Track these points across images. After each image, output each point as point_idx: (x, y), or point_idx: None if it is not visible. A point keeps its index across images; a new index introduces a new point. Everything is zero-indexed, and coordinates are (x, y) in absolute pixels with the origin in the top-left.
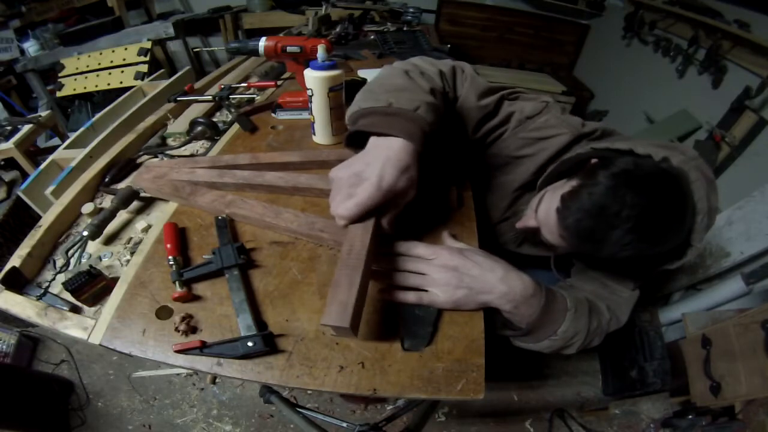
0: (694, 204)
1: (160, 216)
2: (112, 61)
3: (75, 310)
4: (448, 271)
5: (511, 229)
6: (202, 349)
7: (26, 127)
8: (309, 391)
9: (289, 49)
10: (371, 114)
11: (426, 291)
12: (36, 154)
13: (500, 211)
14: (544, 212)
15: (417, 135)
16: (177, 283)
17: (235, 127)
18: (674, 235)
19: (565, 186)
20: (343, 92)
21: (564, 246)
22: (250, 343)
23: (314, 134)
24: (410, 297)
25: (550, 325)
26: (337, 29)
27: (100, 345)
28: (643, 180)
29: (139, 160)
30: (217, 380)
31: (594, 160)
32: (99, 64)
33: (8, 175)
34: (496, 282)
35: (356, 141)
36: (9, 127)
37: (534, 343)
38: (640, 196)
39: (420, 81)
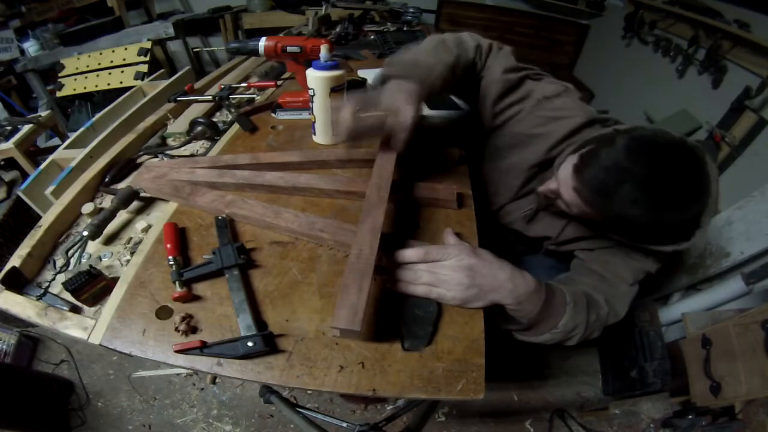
0: (709, 182)
1: (160, 216)
2: (112, 61)
3: (75, 310)
4: (461, 271)
5: (522, 206)
6: (202, 349)
7: (26, 127)
8: (309, 391)
9: (289, 49)
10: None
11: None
12: (36, 154)
13: (513, 191)
14: (563, 171)
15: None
16: (177, 283)
17: (235, 127)
18: (685, 203)
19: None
20: (344, 92)
21: (577, 203)
22: (250, 343)
23: (314, 134)
24: (419, 290)
25: (550, 319)
26: (337, 29)
27: (100, 345)
28: (661, 146)
29: (139, 160)
30: (217, 380)
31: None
32: (99, 64)
33: (8, 175)
34: (504, 280)
35: None
36: (9, 127)
37: (536, 337)
38: (654, 158)
39: (444, 54)
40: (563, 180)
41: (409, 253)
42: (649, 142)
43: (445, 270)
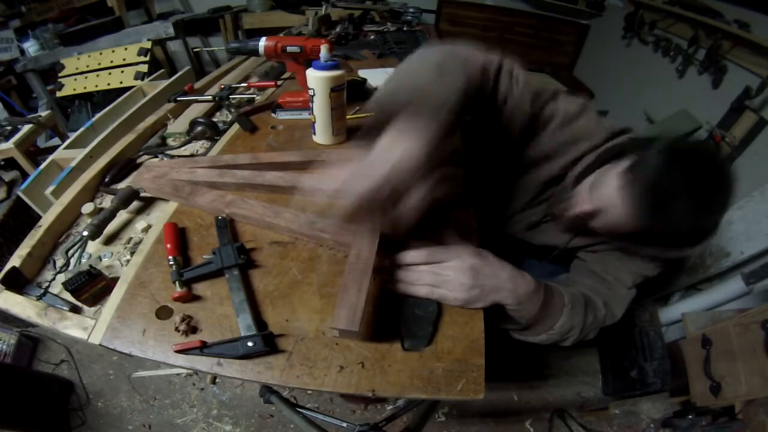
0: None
1: (160, 216)
2: (112, 61)
3: (75, 310)
4: (463, 271)
5: (527, 216)
6: (202, 349)
7: (26, 127)
8: (309, 391)
9: (289, 49)
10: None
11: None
12: (36, 154)
13: (521, 203)
14: (606, 194)
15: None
16: (177, 283)
17: (235, 127)
18: (725, 202)
19: (615, 167)
20: (344, 92)
21: (628, 224)
22: (250, 343)
23: (314, 134)
24: (421, 290)
25: (548, 320)
26: (337, 29)
27: (100, 345)
28: (688, 152)
29: (139, 160)
30: (217, 380)
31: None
32: (99, 64)
33: (8, 175)
34: (505, 280)
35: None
36: (9, 127)
37: (533, 337)
38: (689, 165)
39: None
40: (610, 204)
41: (411, 255)
42: (676, 151)
43: (448, 271)
